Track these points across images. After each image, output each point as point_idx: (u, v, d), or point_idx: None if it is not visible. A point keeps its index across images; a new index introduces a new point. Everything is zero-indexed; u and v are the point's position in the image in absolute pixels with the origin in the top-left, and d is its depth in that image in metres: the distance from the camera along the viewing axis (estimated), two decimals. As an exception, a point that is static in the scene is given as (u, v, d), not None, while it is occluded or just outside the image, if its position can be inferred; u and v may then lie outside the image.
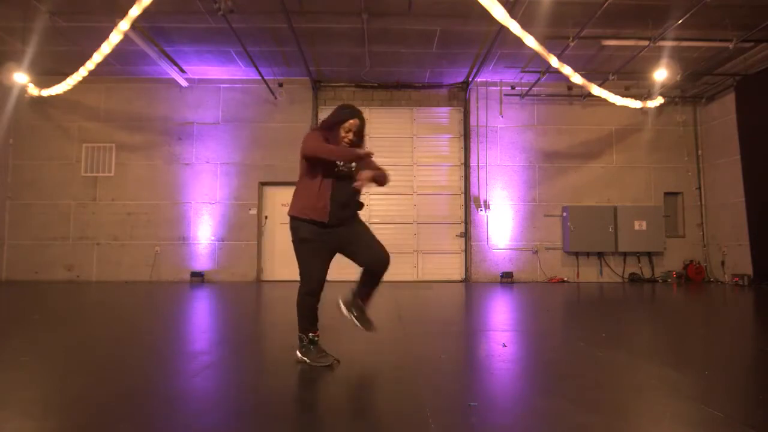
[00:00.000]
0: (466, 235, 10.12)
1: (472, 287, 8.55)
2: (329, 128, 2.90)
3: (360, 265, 2.93)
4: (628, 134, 10.16)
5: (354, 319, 2.96)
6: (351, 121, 2.88)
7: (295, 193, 2.97)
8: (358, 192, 2.90)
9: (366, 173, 2.81)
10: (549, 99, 10.14)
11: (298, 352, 2.89)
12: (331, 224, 2.82)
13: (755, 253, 8.63)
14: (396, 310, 5.24)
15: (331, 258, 2.94)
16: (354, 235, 2.90)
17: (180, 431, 1.89)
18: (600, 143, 10.15)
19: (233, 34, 7.44)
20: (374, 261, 2.88)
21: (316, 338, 2.88)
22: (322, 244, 2.85)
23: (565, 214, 9.84)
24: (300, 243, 2.89)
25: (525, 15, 6.92)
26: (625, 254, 9.93)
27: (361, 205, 2.96)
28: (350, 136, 2.89)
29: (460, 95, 10.39)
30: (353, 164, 2.88)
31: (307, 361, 2.82)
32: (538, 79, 9.32)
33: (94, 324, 4.59)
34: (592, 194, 10.04)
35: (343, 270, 3.34)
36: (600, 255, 9.95)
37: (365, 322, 2.97)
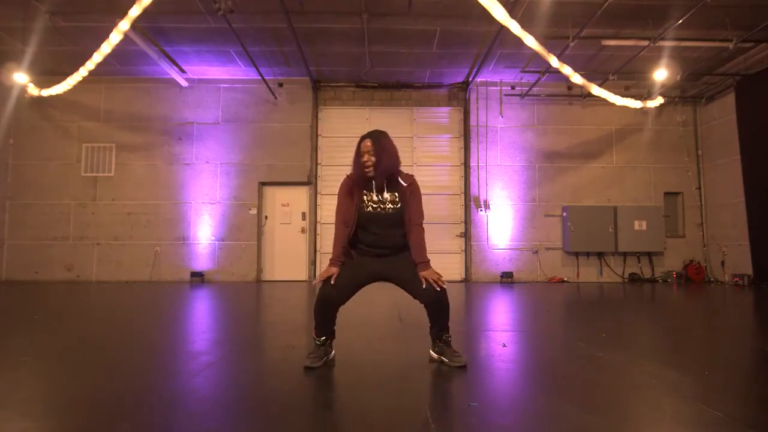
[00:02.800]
0: (466, 235, 10.12)
1: (472, 287, 8.56)
2: (354, 164, 2.87)
3: (415, 298, 2.85)
4: (628, 134, 10.16)
5: (446, 361, 2.84)
6: (362, 144, 2.83)
7: None
8: (394, 229, 2.82)
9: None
10: (549, 99, 10.14)
11: None
12: (366, 254, 2.84)
13: (755, 253, 8.63)
14: (396, 310, 5.24)
15: (364, 280, 2.86)
16: (401, 264, 2.82)
17: (180, 431, 1.89)
18: (600, 143, 10.16)
19: (233, 34, 7.45)
20: (423, 294, 2.78)
21: (317, 342, 2.87)
22: (355, 263, 2.84)
23: (565, 214, 9.84)
24: None
25: (525, 15, 6.93)
26: (625, 254, 9.93)
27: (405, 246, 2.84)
28: (368, 159, 2.79)
29: (460, 95, 10.40)
30: (389, 203, 2.81)
31: None
32: (538, 79, 9.32)
33: (94, 324, 4.59)
34: (592, 194, 10.04)
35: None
36: (600, 255, 9.95)
37: (454, 359, 2.82)
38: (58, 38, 8.09)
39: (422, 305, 2.85)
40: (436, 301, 2.79)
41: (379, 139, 2.84)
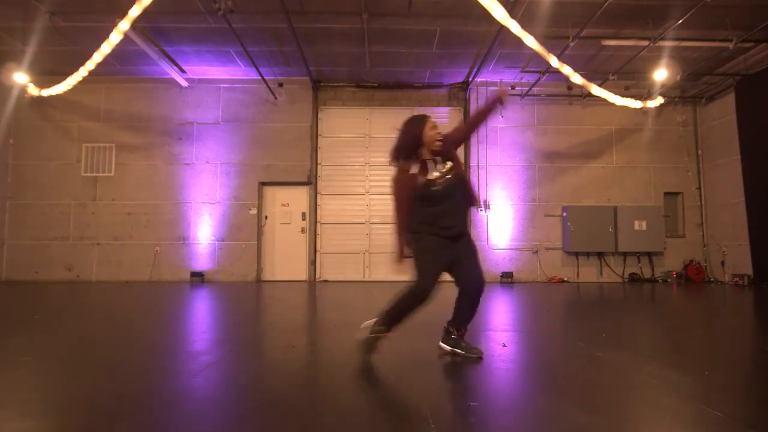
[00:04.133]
0: (466, 235, 10.10)
1: (472, 287, 8.54)
2: (411, 149, 2.86)
3: (456, 284, 2.93)
4: (628, 134, 10.16)
5: (461, 353, 2.94)
6: (429, 121, 2.86)
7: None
8: (462, 206, 2.94)
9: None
10: (549, 99, 10.14)
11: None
12: (442, 236, 2.86)
13: (755, 253, 8.62)
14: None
15: (445, 267, 2.91)
16: (466, 247, 2.95)
17: (180, 431, 1.89)
18: (600, 143, 10.15)
19: (233, 34, 7.44)
20: (468, 280, 2.90)
21: (383, 336, 2.90)
22: (436, 250, 2.85)
23: (565, 214, 9.84)
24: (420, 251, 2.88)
25: (525, 15, 6.92)
26: (625, 254, 9.93)
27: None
28: (439, 132, 2.85)
29: (460, 95, 10.39)
30: (448, 172, 2.83)
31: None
32: (538, 79, 9.32)
33: (94, 324, 4.59)
34: (592, 194, 10.04)
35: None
36: (600, 255, 9.95)
37: (471, 350, 2.93)
38: (58, 38, 8.08)
39: (459, 294, 2.93)
40: (479, 293, 2.91)
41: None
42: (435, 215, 2.83)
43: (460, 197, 2.90)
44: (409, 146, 2.86)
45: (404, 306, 2.83)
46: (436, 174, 2.83)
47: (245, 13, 7.20)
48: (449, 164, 2.87)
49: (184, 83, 9.85)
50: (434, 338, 3.16)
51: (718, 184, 9.75)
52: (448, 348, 2.97)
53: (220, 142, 9.99)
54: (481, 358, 2.87)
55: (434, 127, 2.85)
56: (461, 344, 2.94)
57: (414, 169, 2.84)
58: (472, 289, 2.90)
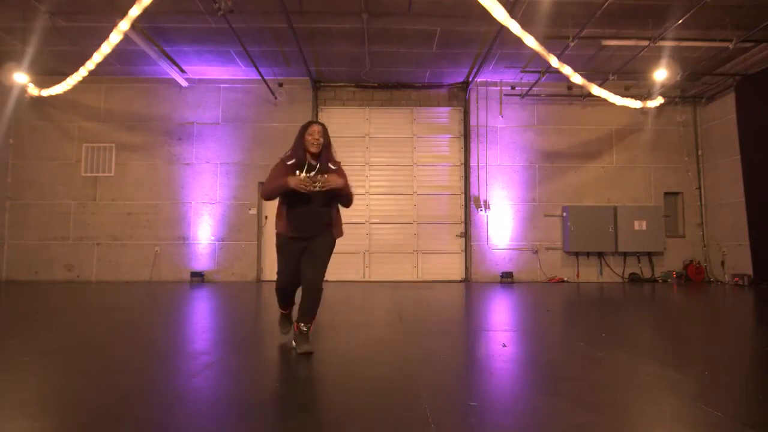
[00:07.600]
0: (466, 235, 10.12)
1: (472, 287, 8.55)
2: (294, 148, 3.28)
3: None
4: (628, 134, 10.16)
5: (294, 347, 3.16)
6: (310, 127, 3.24)
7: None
8: (323, 210, 3.17)
9: (332, 178, 3.09)
10: (549, 99, 10.14)
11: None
12: (295, 237, 3.17)
13: (755, 253, 8.63)
14: (396, 310, 5.24)
15: (298, 261, 3.22)
16: (310, 249, 3.19)
17: (180, 431, 1.89)
18: (600, 143, 10.15)
19: (233, 34, 7.44)
20: (304, 279, 3.14)
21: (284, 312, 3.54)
22: (290, 252, 3.23)
23: (565, 214, 9.84)
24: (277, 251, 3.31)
25: (525, 15, 6.92)
26: (625, 254, 9.93)
27: (329, 222, 3.23)
28: (318, 138, 3.20)
29: (460, 95, 10.39)
30: (316, 185, 3.03)
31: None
32: (538, 79, 9.31)
33: (94, 324, 4.59)
34: (592, 194, 10.04)
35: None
36: (600, 255, 9.95)
37: (301, 346, 3.09)
38: (58, 38, 8.08)
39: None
40: (311, 286, 3.13)
41: (326, 128, 3.31)
42: (292, 215, 3.16)
43: (320, 207, 3.15)
44: (296, 144, 3.26)
45: (277, 296, 3.44)
46: (303, 176, 3.07)
47: (245, 13, 7.20)
48: (321, 178, 3.07)
49: (184, 83, 9.85)
50: (434, 340, 3.16)
51: (718, 184, 9.75)
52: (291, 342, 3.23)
53: (220, 142, 9.99)
54: (307, 355, 3.01)
55: (312, 133, 3.19)
56: (297, 339, 3.13)
57: (290, 163, 3.18)
58: (304, 286, 3.15)
